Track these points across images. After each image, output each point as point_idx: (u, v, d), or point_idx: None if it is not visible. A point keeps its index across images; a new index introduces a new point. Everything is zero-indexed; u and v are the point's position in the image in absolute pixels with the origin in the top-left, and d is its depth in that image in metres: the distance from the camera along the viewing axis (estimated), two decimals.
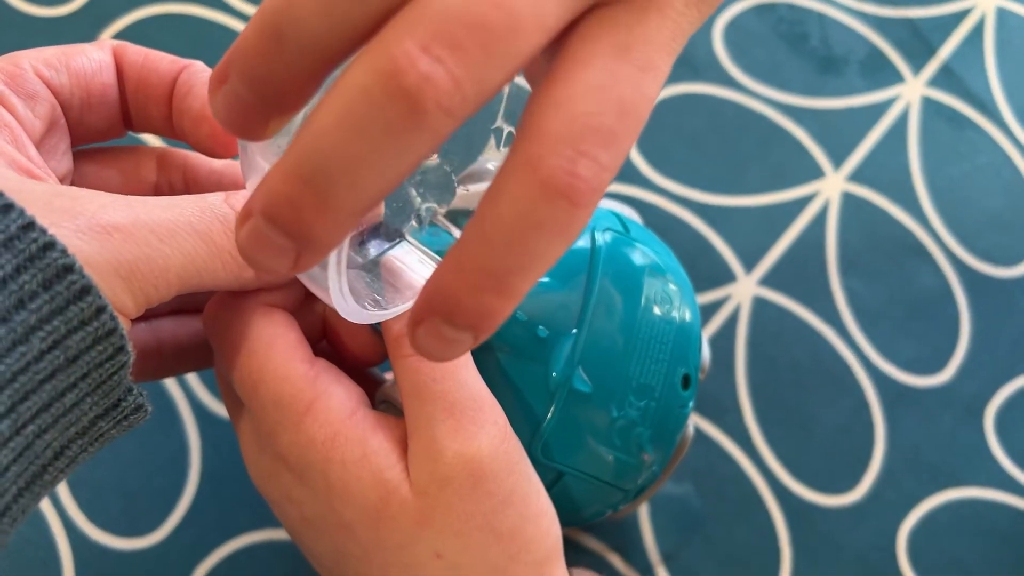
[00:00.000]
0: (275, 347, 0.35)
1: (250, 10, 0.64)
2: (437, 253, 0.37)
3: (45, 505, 0.52)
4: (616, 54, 0.23)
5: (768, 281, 0.61)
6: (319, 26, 0.21)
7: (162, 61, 0.38)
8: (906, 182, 0.64)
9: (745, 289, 0.60)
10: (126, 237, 0.30)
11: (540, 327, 0.39)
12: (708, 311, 0.60)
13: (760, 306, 0.60)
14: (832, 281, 0.61)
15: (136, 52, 0.38)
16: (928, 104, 0.66)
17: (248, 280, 0.34)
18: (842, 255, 0.62)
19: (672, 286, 0.42)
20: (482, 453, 0.35)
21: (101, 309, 0.28)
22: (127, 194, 0.32)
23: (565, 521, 0.39)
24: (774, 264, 0.61)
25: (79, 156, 0.38)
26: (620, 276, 0.41)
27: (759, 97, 0.65)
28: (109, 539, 0.52)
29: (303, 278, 0.32)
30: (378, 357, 0.40)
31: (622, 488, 0.42)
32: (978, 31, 0.69)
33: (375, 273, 0.35)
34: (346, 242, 0.29)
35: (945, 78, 0.67)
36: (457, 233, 0.36)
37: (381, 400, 0.40)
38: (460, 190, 0.37)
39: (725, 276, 0.61)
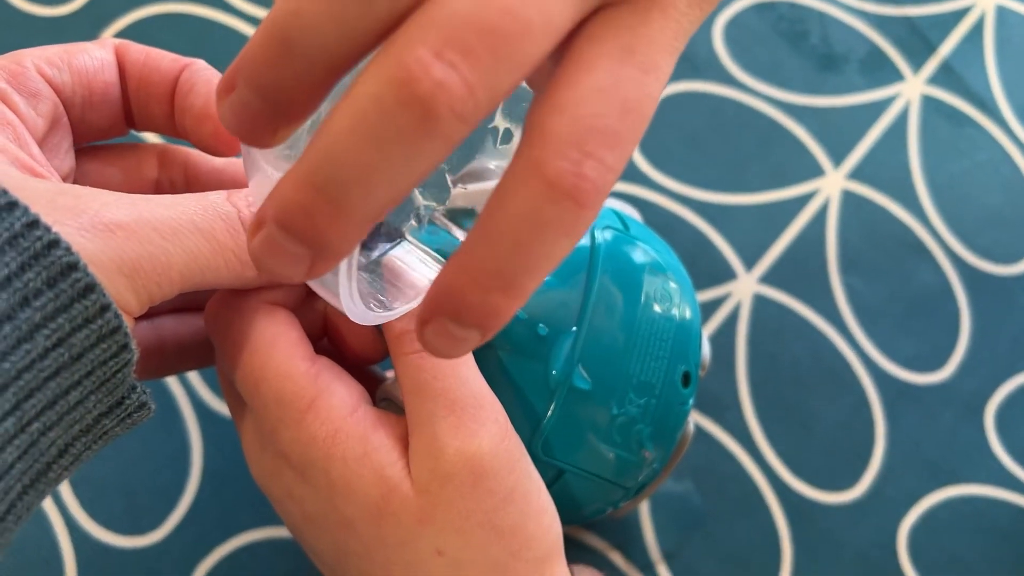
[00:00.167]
0: (277, 345, 0.35)
1: (251, 9, 0.64)
2: (436, 251, 0.37)
3: (47, 503, 0.52)
4: (620, 56, 0.23)
5: (768, 279, 0.61)
6: (327, 34, 0.22)
7: (164, 59, 0.38)
8: (906, 180, 0.64)
9: (745, 287, 0.60)
10: (129, 235, 0.30)
11: (540, 325, 0.39)
12: (708, 309, 0.60)
13: (760, 304, 0.60)
14: (832, 279, 0.61)
15: (138, 51, 0.38)
16: (928, 102, 0.66)
17: (250, 278, 0.34)
18: (842, 253, 0.62)
19: (672, 284, 0.42)
20: (483, 450, 0.35)
21: (105, 307, 0.28)
22: (128, 191, 0.32)
23: (566, 519, 0.39)
24: (774, 262, 0.61)
25: (80, 154, 0.38)
26: (620, 274, 0.41)
27: (759, 95, 0.66)
28: (111, 537, 0.52)
29: (312, 284, 0.32)
30: (379, 355, 0.40)
31: (623, 485, 0.42)
32: (978, 29, 0.69)
33: (376, 273, 0.35)
34: (357, 247, 0.29)
35: (945, 76, 0.67)
36: (457, 232, 0.36)
37: (382, 398, 0.40)
38: (459, 189, 0.37)
39: (725, 274, 0.61)
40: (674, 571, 0.54)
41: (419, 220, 0.36)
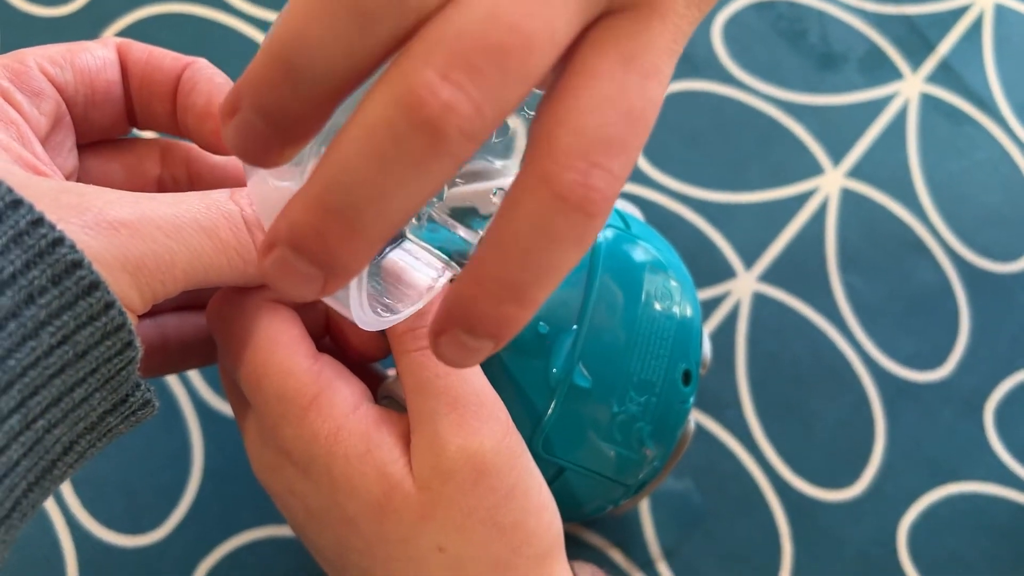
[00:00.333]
0: (279, 342, 0.35)
1: (251, 10, 0.65)
2: (439, 249, 0.37)
3: (48, 502, 0.52)
4: (622, 64, 0.24)
5: (768, 277, 0.61)
6: (331, 56, 0.22)
7: (166, 58, 0.38)
8: (905, 178, 0.64)
9: (745, 285, 0.60)
10: (133, 233, 0.30)
11: (541, 323, 0.39)
12: (708, 307, 0.60)
13: (760, 302, 0.60)
14: (832, 277, 0.61)
15: (140, 49, 0.38)
16: (927, 100, 0.67)
17: (252, 276, 0.34)
18: (841, 251, 0.62)
19: (673, 282, 0.43)
20: (485, 448, 0.35)
21: (109, 304, 0.28)
22: (131, 188, 0.32)
23: (566, 516, 0.39)
24: (774, 260, 0.61)
25: (83, 151, 0.39)
26: (621, 272, 0.41)
27: (758, 94, 0.66)
28: (112, 536, 0.52)
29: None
30: (381, 353, 0.40)
31: (623, 483, 0.42)
32: (977, 27, 0.69)
33: (377, 275, 0.36)
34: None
35: (944, 74, 0.68)
36: (459, 228, 0.37)
37: (384, 396, 0.40)
38: (457, 188, 0.37)
39: (725, 272, 0.61)
40: (674, 569, 0.54)
41: (419, 218, 0.36)
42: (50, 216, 0.28)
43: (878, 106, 0.66)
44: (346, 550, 0.37)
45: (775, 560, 0.55)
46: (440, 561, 0.36)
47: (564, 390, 0.39)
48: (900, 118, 0.66)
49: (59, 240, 0.27)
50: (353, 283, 0.29)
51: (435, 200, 0.37)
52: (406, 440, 0.36)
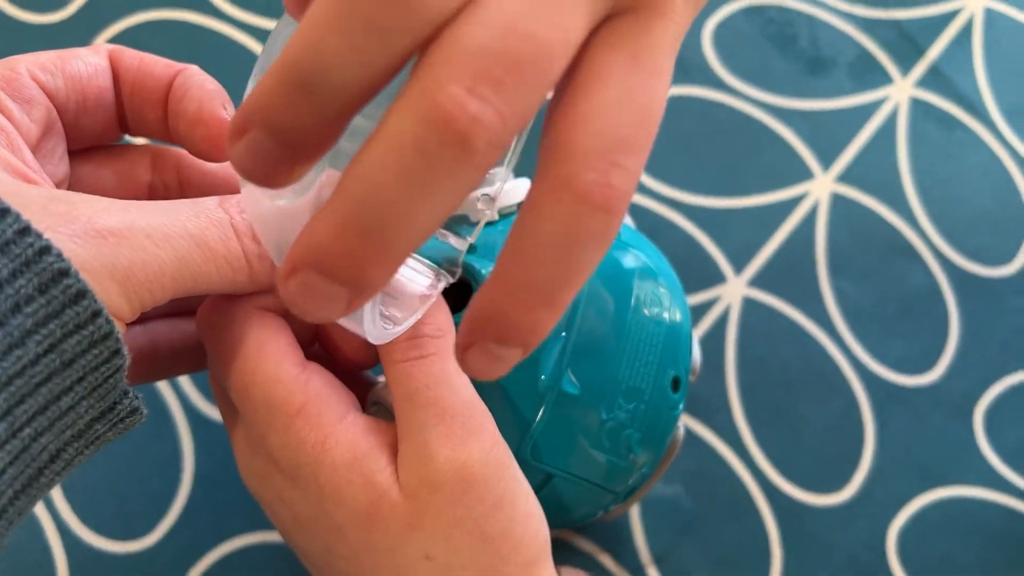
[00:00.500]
0: (267, 350, 0.35)
1: (243, 16, 0.65)
2: (428, 258, 0.37)
3: (39, 508, 0.52)
4: (630, 64, 0.24)
5: (758, 282, 0.61)
6: (348, 71, 0.22)
7: (157, 65, 0.38)
8: (895, 183, 0.65)
9: (735, 290, 0.61)
10: (121, 241, 0.30)
11: None
12: (698, 312, 0.60)
13: (750, 307, 0.60)
14: (822, 282, 0.61)
15: (132, 56, 0.38)
16: (917, 105, 0.67)
17: (241, 284, 0.34)
18: (831, 256, 0.62)
19: (662, 289, 0.43)
20: (472, 458, 0.35)
21: (97, 313, 0.28)
22: (122, 194, 0.32)
23: (555, 522, 0.39)
24: (764, 265, 0.61)
25: (74, 157, 0.38)
26: (610, 279, 0.41)
27: (748, 99, 0.66)
28: (103, 542, 0.52)
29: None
30: (370, 361, 0.40)
31: (612, 490, 0.42)
32: (966, 32, 0.69)
33: None
34: None
35: (933, 79, 0.68)
36: (450, 237, 0.37)
37: (373, 402, 0.40)
38: None
39: (715, 277, 0.61)
40: (664, 574, 0.54)
41: None
42: (38, 225, 0.28)
43: (868, 111, 0.66)
44: (334, 558, 0.37)
45: (765, 565, 0.55)
46: (428, 569, 0.36)
47: (552, 397, 0.39)
48: (890, 123, 0.66)
49: (46, 249, 0.27)
50: (367, 303, 0.30)
51: None
52: (394, 449, 0.36)
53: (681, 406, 0.42)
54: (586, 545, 0.54)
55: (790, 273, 0.61)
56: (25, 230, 0.27)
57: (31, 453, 0.29)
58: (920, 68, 0.68)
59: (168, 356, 0.40)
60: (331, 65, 0.22)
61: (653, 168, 0.63)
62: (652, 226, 0.61)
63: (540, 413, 0.39)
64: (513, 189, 0.43)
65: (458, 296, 0.40)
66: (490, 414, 0.37)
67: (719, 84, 0.66)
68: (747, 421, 0.58)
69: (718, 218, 0.62)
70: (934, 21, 0.70)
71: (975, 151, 0.66)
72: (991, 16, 0.70)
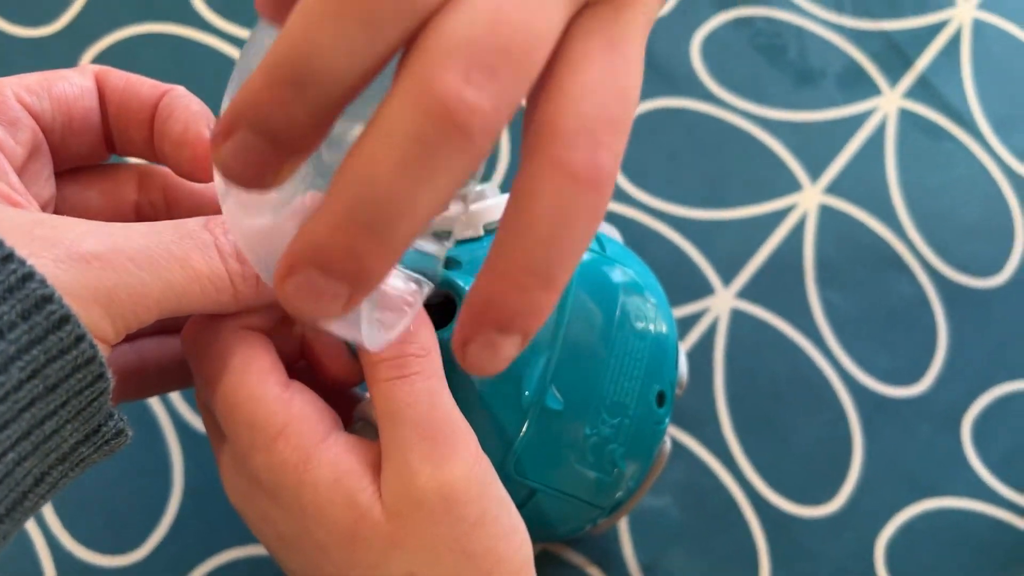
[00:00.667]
0: (249, 370, 0.36)
1: (230, 29, 0.65)
2: (403, 265, 0.37)
3: (29, 523, 0.52)
4: (607, 49, 0.25)
5: (746, 294, 0.61)
6: (340, 64, 0.22)
7: (143, 86, 0.38)
8: (883, 194, 0.65)
9: (723, 302, 0.61)
10: (104, 265, 0.30)
11: None
12: (686, 324, 0.60)
13: (738, 319, 0.61)
14: (810, 293, 0.62)
15: (118, 77, 0.38)
16: (905, 116, 0.67)
17: (226, 304, 0.34)
18: (819, 267, 0.62)
19: (648, 303, 0.43)
20: (455, 477, 0.35)
21: (80, 338, 0.29)
22: (108, 214, 0.32)
23: (540, 537, 0.39)
24: (752, 277, 0.62)
25: (60, 177, 0.39)
26: (594, 294, 0.41)
27: (737, 111, 0.66)
28: (93, 556, 0.52)
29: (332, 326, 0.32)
30: (356, 378, 0.40)
31: (596, 505, 0.42)
32: (955, 43, 0.70)
33: None
34: None
35: (922, 90, 0.68)
36: (423, 243, 0.37)
37: (358, 418, 0.40)
38: None
39: (703, 289, 0.61)
40: None
41: None
42: (22, 250, 0.28)
43: (856, 122, 0.67)
44: (319, 574, 0.37)
45: None
46: None
47: (536, 412, 0.39)
48: (878, 134, 0.66)
49: (29, 275, 0.28)
50: (364, 304, 0.30)
51: None
52: (376, 468, 0.36)
53: (667, 420, 0.43)
54: (575, 557, 0.54)
55: (778, 285, 0.62)
56: (8, 257, 0.28)
57: (15, 478, 0.29)
58: (908, 79, 0.68)
59: (156, 374, 0.41)
60: (323, 60, 0.22)
61: (641, 180, 0.63)
62: (640, 237, 0.62)
63: (524, 428, 0.39)
64: (497, 206, 0.43)
65: (442, 314, 0.40)
66: (473, 432, 0.37)
67: (707, 96, 0.66)
68: (735, 432, 0.58)
69: (706, 230, 0.63)
70: (923, 32, 0.70)
71: (963, 162, 0.66)
72: (979, 27, 0.70)
